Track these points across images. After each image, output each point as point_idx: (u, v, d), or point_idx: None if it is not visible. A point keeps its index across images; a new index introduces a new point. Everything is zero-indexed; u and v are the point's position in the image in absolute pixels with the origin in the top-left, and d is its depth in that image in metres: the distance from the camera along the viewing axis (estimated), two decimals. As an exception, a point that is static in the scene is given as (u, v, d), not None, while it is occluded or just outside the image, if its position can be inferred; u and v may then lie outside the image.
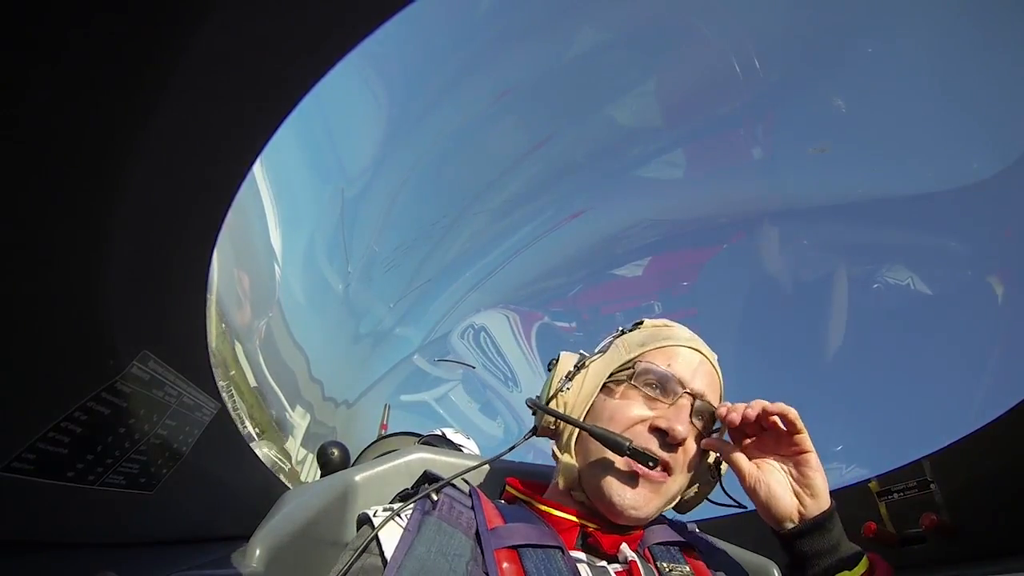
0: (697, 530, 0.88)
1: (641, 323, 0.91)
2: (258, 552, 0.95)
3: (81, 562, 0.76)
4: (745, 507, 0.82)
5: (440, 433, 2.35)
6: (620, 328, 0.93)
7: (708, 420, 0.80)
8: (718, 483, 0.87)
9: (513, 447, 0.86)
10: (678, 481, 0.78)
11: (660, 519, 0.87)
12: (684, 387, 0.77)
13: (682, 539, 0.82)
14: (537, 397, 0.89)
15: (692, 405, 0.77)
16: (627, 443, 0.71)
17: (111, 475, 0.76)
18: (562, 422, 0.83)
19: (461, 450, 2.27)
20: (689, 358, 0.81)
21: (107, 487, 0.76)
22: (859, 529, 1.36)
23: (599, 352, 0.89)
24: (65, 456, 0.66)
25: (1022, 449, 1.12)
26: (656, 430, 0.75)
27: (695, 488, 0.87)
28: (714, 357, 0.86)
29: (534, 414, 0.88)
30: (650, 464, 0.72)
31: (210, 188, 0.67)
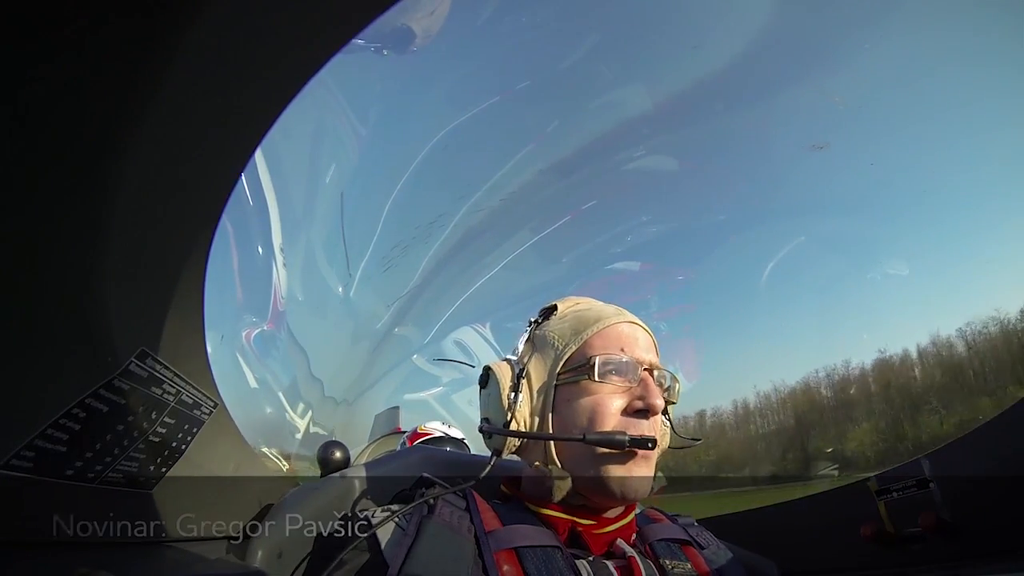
0: (695, 523, 0.89)
1: (555, 308, 0.91)
2: (259, 552, 0.95)
3: (81, 562, 0.75)
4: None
5: (422, 429, 2.37)
6: (532, 320, 0.92)
7: (665, 381, 0.84)
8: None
9: (482, 476, 0.81)
10: (663, 444, 0.84)
11: (660, 515, 0.88)
12: (642, 364, 0.81)
13: (682, 536, 0.83)
14: (484, 420, 0.86)
15: (652, 375, 0.81)
16: (625, 437, 0.74)
17: (110, 473, 0.75)
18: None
19: (443, 440, 2.29)
20: (631, 333, 0.83)
21: (106, 485, 0.75)
22: (858, 528, 1.35)
23: (526, 351, 0.87)
24: (64, 454, 0.66)
25: (1021, 449, 1.12)
26: (637, 411, 0.78)
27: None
28: (639, 319, 0.88)
29: (489, 437, 0.84)
30: (649, 445, 0.75)
31: (207, 185, 0.67)
